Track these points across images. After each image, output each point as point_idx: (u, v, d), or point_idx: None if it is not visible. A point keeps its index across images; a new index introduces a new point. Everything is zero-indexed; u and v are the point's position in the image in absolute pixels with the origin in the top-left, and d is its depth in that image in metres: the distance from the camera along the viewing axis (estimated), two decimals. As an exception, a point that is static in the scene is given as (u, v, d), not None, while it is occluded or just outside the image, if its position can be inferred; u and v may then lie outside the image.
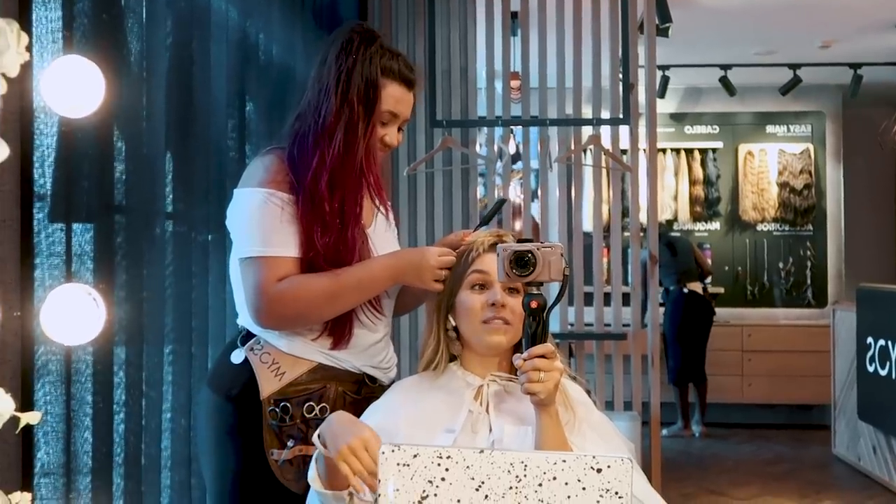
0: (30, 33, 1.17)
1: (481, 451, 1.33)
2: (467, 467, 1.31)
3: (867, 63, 6.70)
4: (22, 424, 1.08)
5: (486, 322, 1.77)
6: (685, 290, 6.63)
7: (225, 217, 1.98)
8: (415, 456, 1.33)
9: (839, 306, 6.15)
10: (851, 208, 7.68)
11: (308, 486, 1.83)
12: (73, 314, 1.31)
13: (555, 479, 1.29)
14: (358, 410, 1.89)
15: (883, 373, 5.11)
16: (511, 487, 1.31)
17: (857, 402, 5.52)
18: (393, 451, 1.34)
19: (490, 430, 1.72)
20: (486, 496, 1.31)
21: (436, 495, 1.32)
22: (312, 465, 1.63)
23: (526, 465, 1.31)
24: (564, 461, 1.30)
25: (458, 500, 1.31)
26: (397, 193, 4.17)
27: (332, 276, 1.85)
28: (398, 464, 1.33)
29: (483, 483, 1.31)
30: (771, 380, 7.04)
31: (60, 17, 1.59)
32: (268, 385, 1.87)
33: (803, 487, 5.25)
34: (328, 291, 1.84)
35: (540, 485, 1.29)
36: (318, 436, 1.59)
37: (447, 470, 1.32)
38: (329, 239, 1.86)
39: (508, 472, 1.31)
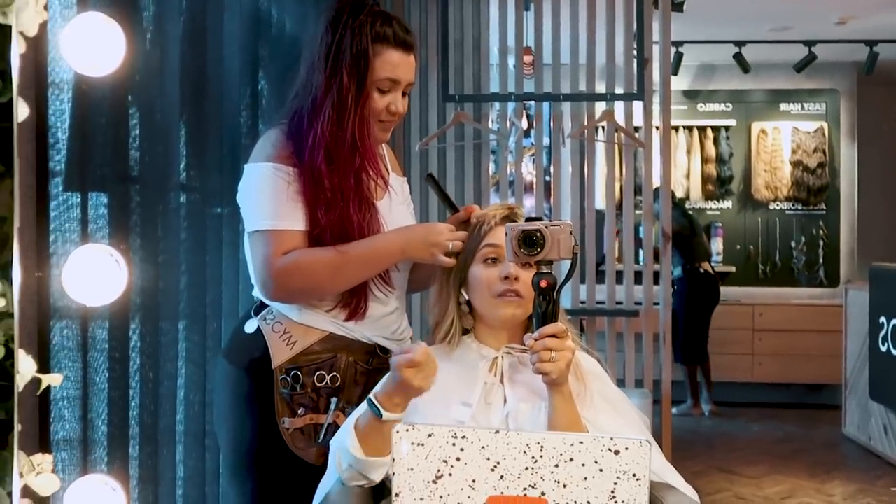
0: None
1: (496, 432, 1.32)
2: (482, 447, 1.30)
3: (883, 40, 6.62)
4: (43, 387, 1.08)
5: (499, 296, 1.76)
6: (702, 270, 6.60)
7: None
8: (429, 435, 1.32)
9: (852, 286, 6.12)
10: (865, 187, 7.61)
11: (319, 455, 1.84)
12: (95, 274, 1.31)
13: (571, 460, 1.28)
14: (369, 381, 1.91)
15: (895, 352, 5.08)
16: (527, 468, 1.29)
17: (869, 382, 5.49)
18: (408, 430, 1.33)
19: (504, 401, 1.72)
20: (502, 476, 1.30)
21: (450, 475, 1.31)
22: (350, 432, 1.63)
23: (542, 447, 1.29)
24: (581, 443, 1.29)
25: (474, 480, 1.30)
26: (410, 168, 4.14)
27: (338, 250, 1.84)
28: (413, 443, 1.32)
29: (499, 463, 1.30)
30: (781, 359, 7.01)
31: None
32: (279, 354, 1.88)
33: (813, 467, 5.24)
34: (333, 264, 1.84)
35: (556, 466, 1.28)
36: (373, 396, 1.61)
37: (462, 450, 1.31)
38: (333, 215, 1.85)
39: (524, 452, 1.29)
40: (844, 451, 5.68)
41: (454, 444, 1.31)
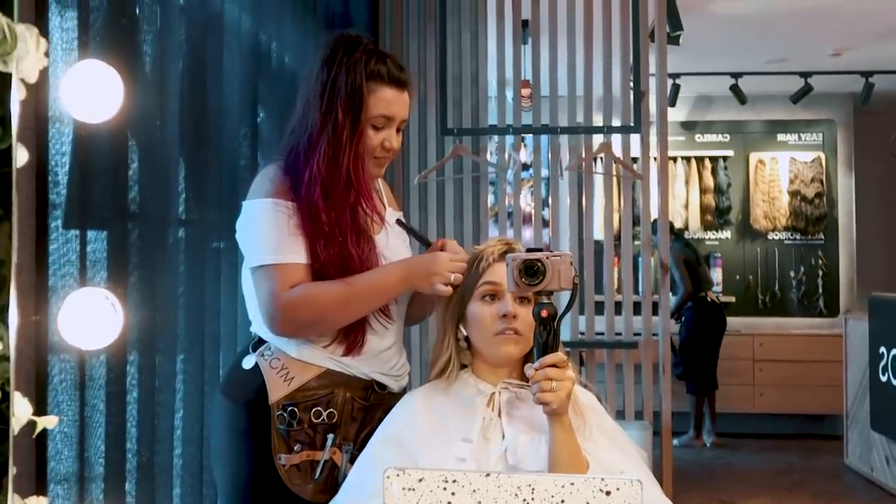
0: (47, 39, 1.16)
1: (487, 475, 1.31)
2: (473, 491, 1.29)
3: (879, 71, 6.68)
4: (39, 429, 1.08)
5: (498, 334, 1.77)
6: (708, 299, 6.62)
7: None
8: (420, 480, 1.31)
9: (851, 315, 6.12)
10: (863, 217, 7.64)
11: (315, 491, 1.85)
12: (90, 318, 1.31)
13: (563, 502, 1.27)
14: (366, 417, 1.91)
15: (896, 383, 5.08)
16: (518, 511, 1.29)
17: (870, 412, 5.48)
18: (398, 475, 1.32)
19: (503, 436, 1.72)
20: (494, 520, 1.29)
21: (442, 519, 1.30)
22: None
23: (533, 489, 1.28)
24: (573, 484, 1.28)
25: (466, 525, 1.29)
26: (408, 202, 4.16)
27: (345, 283, 1.85)
28: (403, 488, 1.31)
29: (490, 507, 1.29)
30: (782, 389, 7.00)
31: (76, 23, 1.59)
32: (277, 390, 1.87)
33: (815, 498, 5.21)
34: (341, 297, 1.84)
35: (548, 508, 1.27)
36: None
37: (453, 494, 1.30)
38: (333, 250, 1.86)
39: (515, 495, 1.28)
40: (847, 482, 5.65)
41: (445, 489, 1.30)
